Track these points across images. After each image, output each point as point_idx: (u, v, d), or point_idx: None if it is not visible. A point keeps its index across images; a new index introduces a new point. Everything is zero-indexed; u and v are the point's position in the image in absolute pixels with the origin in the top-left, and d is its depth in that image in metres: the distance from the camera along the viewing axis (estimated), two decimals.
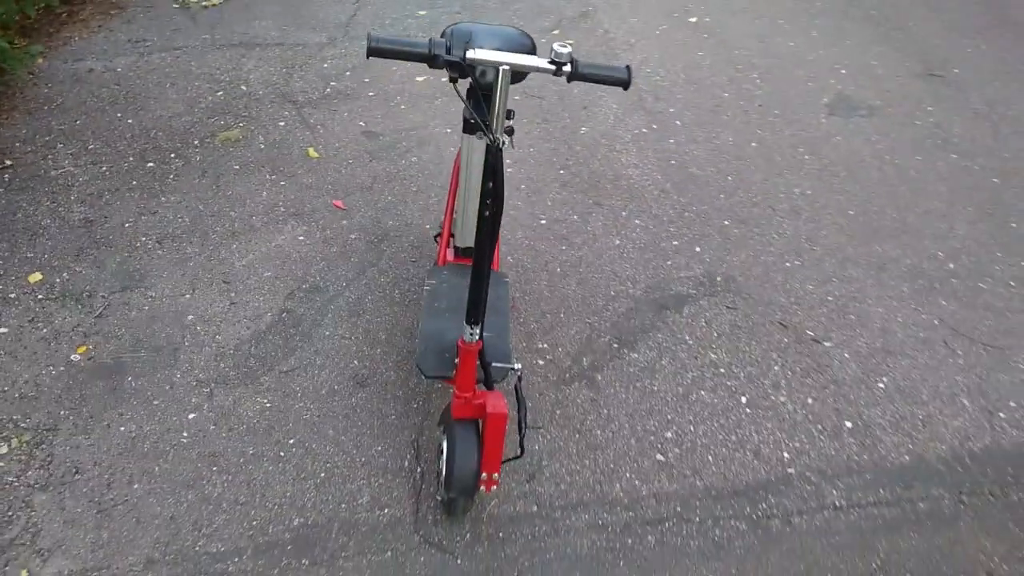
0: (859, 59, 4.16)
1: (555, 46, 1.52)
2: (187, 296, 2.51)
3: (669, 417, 2.20)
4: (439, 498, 1.92)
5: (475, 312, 1.75)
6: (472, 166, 2.12)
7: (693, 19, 4.59)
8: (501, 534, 1.89)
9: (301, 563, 1.81)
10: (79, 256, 2.63)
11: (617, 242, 2.83)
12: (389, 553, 1.84)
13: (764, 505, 1.99)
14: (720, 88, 3.82)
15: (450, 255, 2.33)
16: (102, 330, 2.37)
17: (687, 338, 2.46)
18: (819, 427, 2.20)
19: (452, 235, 2.31)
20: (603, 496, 1.99)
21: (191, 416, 2.14)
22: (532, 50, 1.92)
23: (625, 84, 1.59)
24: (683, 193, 3.10)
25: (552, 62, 1.54)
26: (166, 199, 2.92)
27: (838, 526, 1.95)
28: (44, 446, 2.03)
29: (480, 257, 1.71)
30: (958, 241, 2.94)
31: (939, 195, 3.18)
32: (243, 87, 3.66)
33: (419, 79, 3.81)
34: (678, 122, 3.55)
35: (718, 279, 2.69)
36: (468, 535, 1.88)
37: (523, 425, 1.80)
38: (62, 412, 2.12)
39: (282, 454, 2.05)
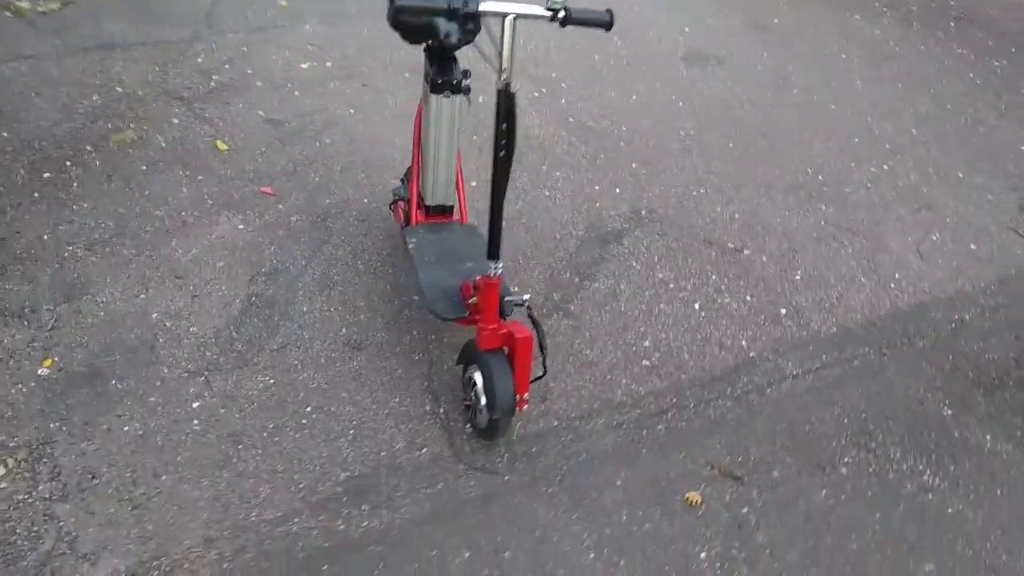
0: (698, 19, 4.68)
1: None
2: (142, 296, 2.41)
3: (642, 329, 2.47)
4: (477, 427, 2.05)
5: (495, 248, 1.90)
6: (441, 125, 2.25)
7: None
8: (534, 449, 2.06)
9: (362, 509, 1.87)
10: (3, 274, 2.43)
11: (547, 193, 3.06)
12: (441, 484, 1.95)
13: (740, 384, 2.32)
14: (590, 53, 4.15)
15: (421, 216, 2.44)
16: (62, 341, 2.23)
17: (634, 264, 2.74)
18: (762, 317, 2.57)
19: (421, 196, 2.42)
20: (609, 402, 2.22)
21: (195, 405, 2.09)
22: None
23: (608, 25, 1.81)
24: (588, 144, 3.38)
25: (550, 9, 1.72)
26: (78, 207, 2.74)
27: (800, 389, 2.32)
28: (45, 460, 1.91)
29: (496, 195, 1.86)
30: (819, 158, 3.47)
31: (793, 123, 3.72)
32: (119, 88, 3.46)
33: (303, 66, 3.80)
34: (563, 84, 3.84)
35: (643, 212, 3.01)
36: (506, 456, 2.03)
37: (543, 347, 1.98)
38: (52, 425, 2.00)
39: (304, 422, 2.08)
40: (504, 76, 1.74)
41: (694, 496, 1.96)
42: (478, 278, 1.96)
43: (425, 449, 2.03)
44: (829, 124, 3.73)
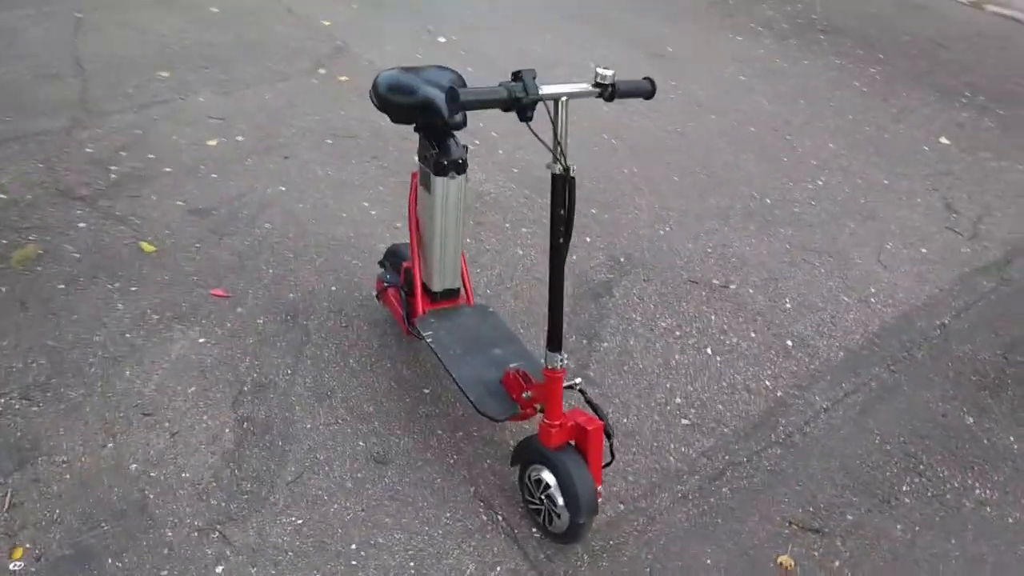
0: (597, 53, 4.74)
1: (599, 70, 1.60)
2: (110, 446, 2.03)
3: (668, 386, 2.38)
4: (555, 531, 1.86)
5: (558, 340, 1.74)
6: (448, 208, 2.08)
7: (442, 39, 4.80)
8: (611, 542, 1.90)
9: None
10: None
11: (520, 252, 2.93)
12: None
13: (781, 428, 2.28)
14: None
15: (427, 303, 2.23)
16: (29, 522, 1.82)
17: (634, 316, 2.66)
18: (773, 352, 2.56)
19: (425, 283, 2.21)
20: (666, 472, 2.10)
21: (219, 570, 1.77)
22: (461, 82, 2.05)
23: (650, 95, 1.71)
24: (542, 195, 3.28)
25: (598, 85, 1.61)
26: None
27: (835, 422, 2.32)
28: None
29: (556, 283, 1.71)
30: (758, 180, 3.57)
31: (724, 149, 3.82)
32: (2, 196, 2.98)
33: (211, 143, 3.45)
34: (493, 134, 3.73)
35: (621, 259, 2.94)
36: (585, 556, 1.86)
37: (608, 432, 1.84)
38: None
39: (353, 562, 1.80)
40: (561, 160, 1.60)
41: (786, 560, 1.89)
42: (542, 371, 1.79)
43: (499, 567, 1.82)
44: (755, 146, 3.86)
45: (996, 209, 3.49)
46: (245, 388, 2.25)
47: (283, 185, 3.20)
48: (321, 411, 2.19)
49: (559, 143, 1.60)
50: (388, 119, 2.10)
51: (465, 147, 2.06)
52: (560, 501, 1.78)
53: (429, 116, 1.96)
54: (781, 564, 1.87)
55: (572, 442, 1.82)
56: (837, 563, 1.90)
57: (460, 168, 2.04)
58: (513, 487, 1.99)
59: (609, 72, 1.60)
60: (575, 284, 2.77)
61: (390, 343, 2.44)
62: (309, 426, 2.14)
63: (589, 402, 1.88)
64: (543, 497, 1.83)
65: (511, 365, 1.97)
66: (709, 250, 3.04)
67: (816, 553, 1.92)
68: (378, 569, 1.80)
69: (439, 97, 1.91)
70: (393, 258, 2.40)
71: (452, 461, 2.08)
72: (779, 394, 2.40)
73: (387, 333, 2.47)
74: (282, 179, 3.24)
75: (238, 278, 2.66)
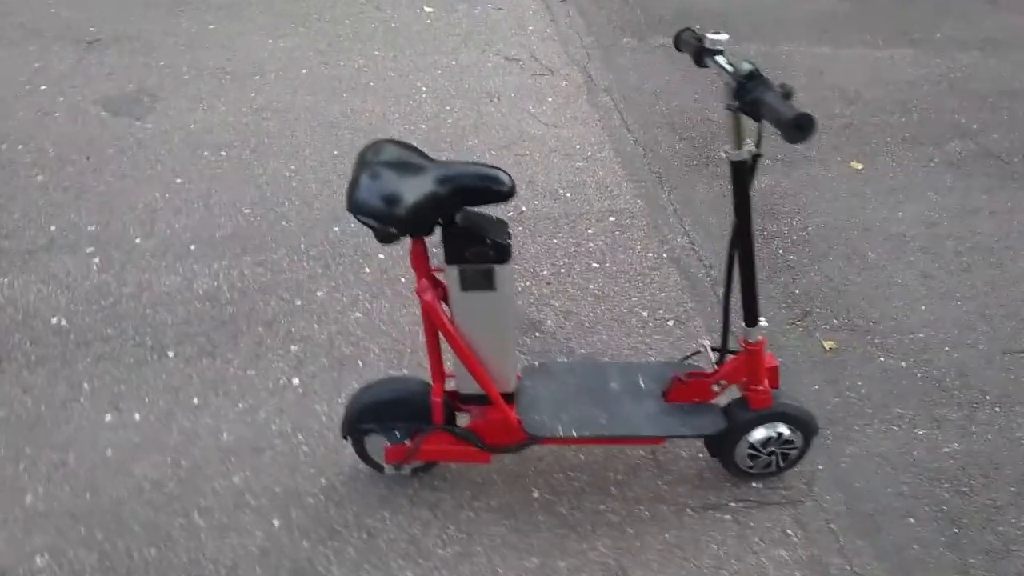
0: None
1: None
2: None
3: None
4: (786, 465, 2.06)
5: (754, 314, 1.78)
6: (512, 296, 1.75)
7: (259, 108, 4.60)
8: None
9: None
10: None
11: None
12: None
13: None
14: (358, 131, 3.89)
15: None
16: None
17: None
18: None
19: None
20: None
21: None
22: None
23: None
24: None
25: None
26: None
27: None
28: None
29: (747, 262, 1.73)
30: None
31: None
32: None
33: None
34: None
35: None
36: None
37: None
38: None
39: None
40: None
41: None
42: (744, 344, 1.83)
43: None
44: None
45: None
46: None
47: None
48: None
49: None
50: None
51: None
52: (797, 438, 1.97)
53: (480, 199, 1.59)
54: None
55: None
56: None
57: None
58: None
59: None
60: None
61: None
62: None
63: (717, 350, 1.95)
64: (774, 449, 1.97)
65: (666, 376, 1.96)
66: None
67: None
68: None
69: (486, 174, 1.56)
70: (388, 409, 1.90)
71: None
72: None
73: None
74: None
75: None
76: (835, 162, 3.63)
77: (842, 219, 3.23)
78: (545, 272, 2.87)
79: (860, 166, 3.62)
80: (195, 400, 2.30)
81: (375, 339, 2.53)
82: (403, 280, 2.78)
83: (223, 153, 3.48)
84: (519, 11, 5.03)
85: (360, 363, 2.44)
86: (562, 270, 2.88)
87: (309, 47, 4.47)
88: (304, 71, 4.20)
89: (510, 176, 1.58)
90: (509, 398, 1.85)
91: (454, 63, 4.36)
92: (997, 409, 2.39)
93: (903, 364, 2.54)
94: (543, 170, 3.44)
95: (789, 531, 2.00)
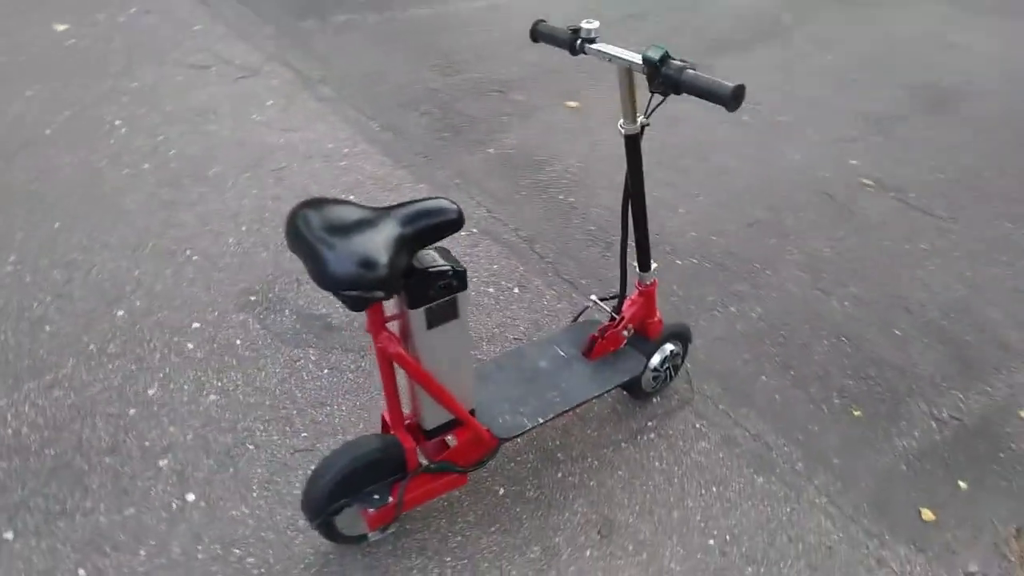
0: None
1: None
2: None
3: None
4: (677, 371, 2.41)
5: (647, 259, 2.04)
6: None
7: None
8: None
9: None
10: None
11: None
12: None
13: None
14: (67, 196, 2.92)
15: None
16: None
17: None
18: None
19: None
20: None
21: None
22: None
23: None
24: None
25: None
26: None
27: None
28: None
29: (640, 216, 1.95)
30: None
31: None
32: None
33: None
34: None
35: None
36: None
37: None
38: None
39: None
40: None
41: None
42: (640, 287, 2.09)
43: None
44: None
45: None
46: None
47: None
48: None
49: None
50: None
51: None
52: (680, 348, 2.31)
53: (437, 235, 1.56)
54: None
55: None
56: None
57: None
58: None
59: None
60: None
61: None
62: None
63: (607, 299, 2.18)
64: (668, 365, 2.29)
65: (580, 338, 2.17)
66: None
67: None
68: None
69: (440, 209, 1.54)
70: (359, 477, 1.76)
71: None
72: None
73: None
74: None
75: None
76: (560, 106, 4.02)
77: (587, 152, 3.65)
78: None
79: (576, 104, 4.06)
80: (81, 572, 1.90)
81: (249, 414, 2.30)
82: (238, 342, 2.52)
83: None
84: (173, 12, 4.51)
85: (251, 446, 2.21)
86: None
87: None
88: None
89: (450, 200, 1.58)
90: (471, 413, 1.87)
91: (136, 85, 3.81)
92: (768, 272, 3.02)
93: (694, 260, 3.05)
94: (312, 180, 3.28)
95: (697, 425, 2.36)
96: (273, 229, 3.00)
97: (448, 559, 1.96)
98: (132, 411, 2.28)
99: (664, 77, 1.51)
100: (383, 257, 1.41)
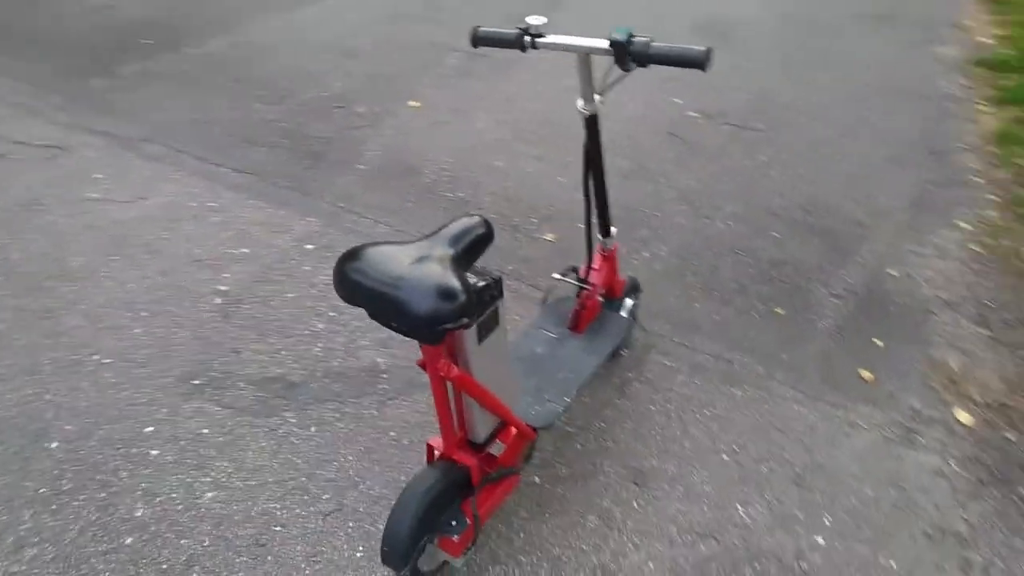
0: None
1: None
2: None
3: None
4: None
5: (607, 225, 2.17)
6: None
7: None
8: None
9: None
10: None
11: None
12: None
13: None
14: None
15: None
16: None
17: None
18: None
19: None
20: None
21: None
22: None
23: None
24: None
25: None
26: None
27: None
28: None
29: (600, 189, 2.07)
30: None
31: None
32: None
33: None
34: None
35: None
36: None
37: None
38: None
39: None
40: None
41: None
42: (602, 252, 2.25)
43: None
44: None
45: None
46: None
47: None
48: None
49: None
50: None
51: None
52: (636, 299, 2.55)
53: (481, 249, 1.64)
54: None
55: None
56: None
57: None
58: None
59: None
60: None
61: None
62: None
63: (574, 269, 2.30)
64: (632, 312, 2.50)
65: (561, 313, 2.31)
66: None
67: None
68: None
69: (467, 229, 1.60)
70: (434, 512, 1.77)
71: None
72: None
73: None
74: None
75: None
76: (403, 107, 4.03)
77: (452, 145, 3.72)
78: (320, 326, 2.73)
79: (418, 103, 4.10)
80: None
81: (259, 498, 2.17)
82: (206, 431, 2.35)
83: None
84: None
85: (277, 527, 2.10)
86: (332, 314, 2.77)
87: None
88: None
89: (472, 214, 1.64)
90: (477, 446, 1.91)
91: None
92: (657, 214, 3.32)
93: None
94: (193, 244, 3.06)
95: (667, 363, 2.60)
96: (177, 305, 2.78)
97: (522, 558, 2.03)
98: (128, 540, 2.06)
99: (634, 54, 1.66)
100: (457, 284, 1.43)
